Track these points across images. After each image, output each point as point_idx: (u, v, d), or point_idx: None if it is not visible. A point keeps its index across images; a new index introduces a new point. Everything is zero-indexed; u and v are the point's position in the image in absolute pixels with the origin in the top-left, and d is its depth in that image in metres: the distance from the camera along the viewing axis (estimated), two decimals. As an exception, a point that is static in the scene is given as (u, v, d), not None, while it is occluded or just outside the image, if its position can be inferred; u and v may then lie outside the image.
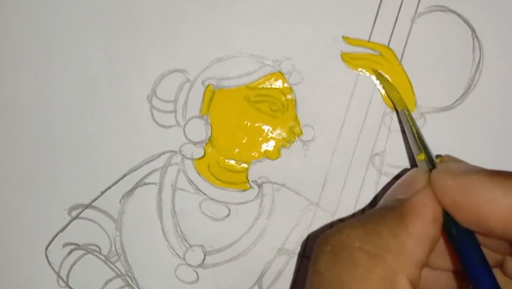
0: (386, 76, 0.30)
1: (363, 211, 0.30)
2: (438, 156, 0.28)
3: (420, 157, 0.27)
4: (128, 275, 0.31)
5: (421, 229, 0.22)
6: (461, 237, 0.23)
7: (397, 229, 0.22)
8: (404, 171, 0.30)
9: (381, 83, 0.30)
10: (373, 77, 0.30)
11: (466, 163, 0.25)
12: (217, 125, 0.31)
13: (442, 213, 0.23)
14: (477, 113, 0.30)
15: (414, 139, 0.28)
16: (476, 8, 0.30)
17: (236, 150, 0.31)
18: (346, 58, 0.30)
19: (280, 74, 0.31)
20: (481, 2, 0.30)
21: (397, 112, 0.30)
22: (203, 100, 0.31)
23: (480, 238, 0.23)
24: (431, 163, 0.26)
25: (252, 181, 0.31)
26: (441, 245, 0.24)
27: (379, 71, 0.30)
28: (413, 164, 0.30)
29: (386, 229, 0.22)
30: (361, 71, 0.30)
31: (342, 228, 0.23)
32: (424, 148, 0.27)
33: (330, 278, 0.22)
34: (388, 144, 0.30)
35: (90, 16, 0.32)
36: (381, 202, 0.26)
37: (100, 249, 0.31)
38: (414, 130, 0.28)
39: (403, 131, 0.30)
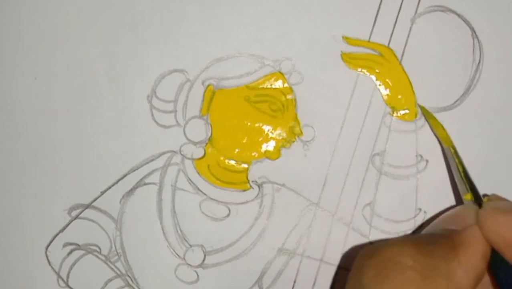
0: (430, 113, 0.30)
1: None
2: (485, 195, 0.27)
3: (467, 197, 0.27)
4: (128, 275, 0.31)
5: (471, 262, 0.22)
6: (508, 274, 0.23)
7: (449, 256, 0.22)
8: (448, 208, 0.29)
9: (426, 118, 0.30)
10: (373, 77, 0.30)
11: None
12: (217, 125, 0.31)
13: (490, 251, 0.23)
14: (477, 113, 0.30)
15: (460, 177, 0.27)
16: (476, 8, 0.30)
17: (236, 150, 0.31)
18: (346, 58, 0.30)
19: (280, 74, 0.31)
20: (481, 2, 0.30)
21: (442, 148, 0.30)
22: (203, 100, 0.31)
23: None
24: (479, 202, 0.26)
25: (252, 181, 0.31)
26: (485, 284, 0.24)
27: (424, 106, 0.30)
28: (457, 195, 0.29)
29: (439, 252, 0.22)
30: (361, 71, 0.30)
31: (393, 243, 0.23)
32: (471, 187, 0.27)
33: None
34: (388, 144, 0.30)
35: (90, 16, 0.32)
36: (428, 229, 0.26)
37: (100, 249, 0.31)
38: (461, 169, 0.27)
39: (448, 167, 0.30)
